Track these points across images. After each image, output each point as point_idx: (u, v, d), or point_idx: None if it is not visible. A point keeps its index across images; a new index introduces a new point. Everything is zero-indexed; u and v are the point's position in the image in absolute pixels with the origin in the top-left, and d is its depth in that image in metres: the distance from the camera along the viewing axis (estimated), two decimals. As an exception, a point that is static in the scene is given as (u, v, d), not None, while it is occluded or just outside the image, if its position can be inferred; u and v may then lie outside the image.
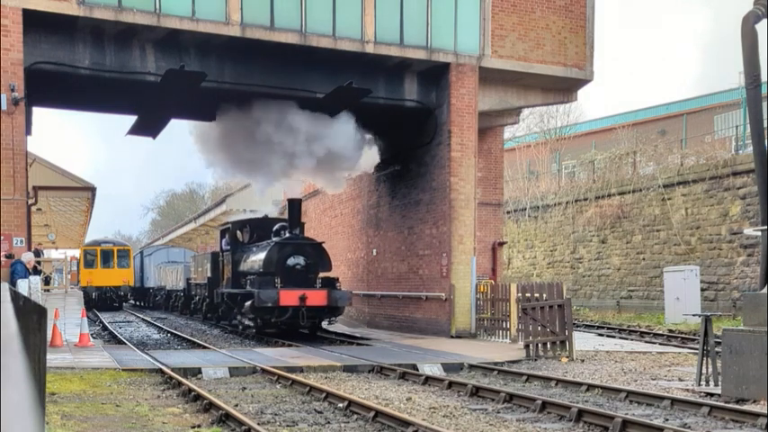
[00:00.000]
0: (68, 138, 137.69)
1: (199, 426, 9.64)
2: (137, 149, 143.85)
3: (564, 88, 24.17)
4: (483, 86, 22.55)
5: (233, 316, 25.30)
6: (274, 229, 24.23)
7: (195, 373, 14.48)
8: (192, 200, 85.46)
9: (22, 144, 18.32)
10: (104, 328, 28.11)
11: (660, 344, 21.43)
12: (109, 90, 20.82)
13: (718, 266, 29.70)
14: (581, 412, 10.14)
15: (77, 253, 46.94)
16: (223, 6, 19.44)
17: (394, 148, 24.68)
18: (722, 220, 29.79)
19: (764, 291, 12.00)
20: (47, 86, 20.23)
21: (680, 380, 13.97)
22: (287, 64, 20.80)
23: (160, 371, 14.36)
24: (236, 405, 10.90)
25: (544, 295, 17.75)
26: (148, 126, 24.57)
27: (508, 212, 40.06)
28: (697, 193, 30.97)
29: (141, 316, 37.31)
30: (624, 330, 25.42)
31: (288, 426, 9.64)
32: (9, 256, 18.04)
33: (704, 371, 12.81)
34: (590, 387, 12.70)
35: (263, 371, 14.60)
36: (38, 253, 30.24)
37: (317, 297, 21.56)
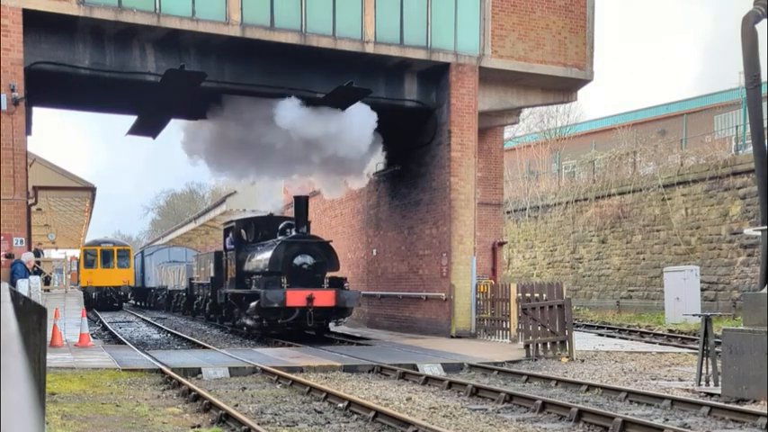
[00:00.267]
0: (68, 138, 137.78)
1: (199, 426, 9.64)
2: (137, 149, 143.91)
3: (564, 88, 24.17)
4: (483, 86, 22.55)
5: (237, 317, 24.75)
6: (280, 227, 23.71)
7: (195, 373, 14.48)
8: (191, 200, 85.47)
9: (22, 144, 18.32)
10: (104, 328, 28.12)
11: (660, 344, 21.43)
12: (109, 90, 20.82)
13: (718, 266, 29.70)
14: (581, 412, 10.14)
15: (77, 253, 46.95)
16: (223, 6, 19.44)
17: (394, 148, 24.67)
18: (722, 220, 29.79)
19: (764, 291, 12.00)
20: (47, 86, 20.23)
21: (680, 380, 13.97)
22: (287, 64, 20.80)
23: (160, 371, 14.36)
24: (236, 405, 10.90)
25: (544, 295, 17.75)
26: (148, 126, 24.57)
27: (508, 212, 40.06)
28: (697, 193, 30.97)
29: (141, 316, 37.31)
30: (624, 330, 25.42)
31: (288, 426, 9.64)
32: (9, 256, 18.04)
33: (704, 371, 12.81)
34: (590, 387, 12.70)
35: (263, 371, 14.60)
36: (38, 253, 30.24)
37: (324, 297, 21.00)
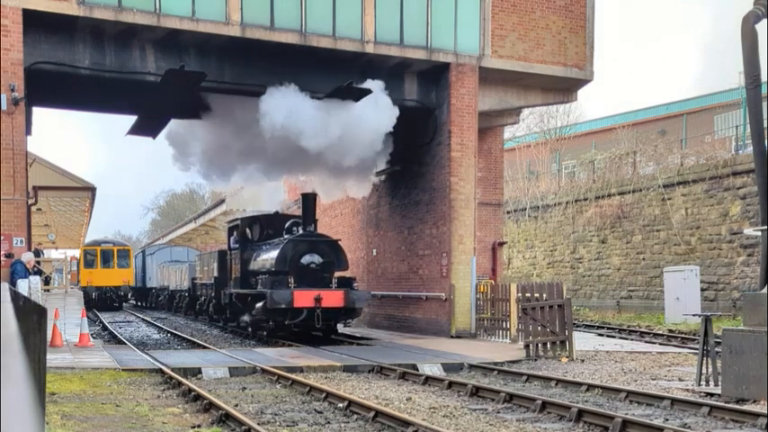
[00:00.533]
0: (68, 138, 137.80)
1: (199, 426, 9.65)
2: (137, 149, 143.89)
3: (564, 88, 24.17)
4: (483, 86, 22.55)
5: (242, 317, 24.12)
6: (286, 226, 23.13)
7: (195, 373, 14.48)
8: (191, 200, 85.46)
9: (22, 144, 18.32)
10: (104, 328, 28.12)
11: (660, 344, 21.43)
12: (109, 90, 20.81)
13: (718, 266, 29.71)
14: (581, 412, 10.14)
15: (77, 253, 46.95)
16: (223, 6, 19.44)
17: (394, 148, 24.65)
18: (722, 220, 29.79)
19: (764, 291, 12.00)
20: (47, 86, 20.23)
21: (680, 380, 13.97)
22: (287, 64, 20.79)
23: (160, 371, 14.36)
24: (236, 405, 10.90)
25: (544, 295, 17.75)
26: (148, 126, 24.54)
27: (508, 212, 40.07)
28: (697, 193, 30.97)
29: (141, 316, 37.31)
30: (624, 330, 25.42)
31: (288, 426, 9.64)
32: (9, 256, 18.04)
33: (704, 371, 12.81)
34: (590, 387, 12.70)
35: (263, 371, 14.60)
36: (38, 253, 30.24)
37: (333, 298, 20.44)
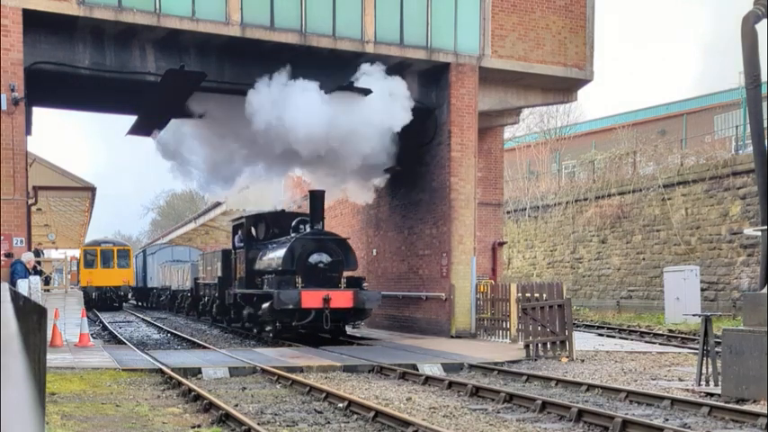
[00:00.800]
0: (68, 138, 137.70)
1: (199, 426, 9.65)
2: (137, 149, 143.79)
3: (564, 88, 24.18)
4: (483, 86, 22.55)
5: (246, 318, 23.61)
6: (293, 224, 22.57)
7: (195, 373, 14.48)
8: (191, 200, 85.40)
9: (22, 144, 18.32)
10: (104, 328, 28.13)
11: (660, 344, 21.42)
12: (109, 90, 20.81)
13: (718, 266, 29.71)
14: (581, 412, 10.14)
15: (77, 253, 46.96)
16: (223, 6, 19.44)
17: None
18: (722, 220, 29.79)
19: (764, 291, 12.00)
20: (47, 86, 20.23)
21: (680, 380, 13.97)
22: (287, 64, 20.77)
23: (160, 371, 14.36)
24: (236, 405, 10.90)
25: (544, 295, 17.75)
26: (148, 126, 24.54)
27: (508, 212, 40.07)
28: (697, 193, 30.97)
29: (141, 316, 37.30)
30: (624, 330, 25.41)
31: (288, 426, 9.64)
32: (8, 255, 18.04)
33: (704, 371, 12.80)
34: (590, 387, 12.70)
35: (263, 371, 14.60)
36: (38, 253, 30.24)
37: (342, 298, 19.90)
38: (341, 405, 10.97)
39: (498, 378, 14.39)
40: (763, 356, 11.11)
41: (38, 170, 27.45)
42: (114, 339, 22.95)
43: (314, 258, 20.63)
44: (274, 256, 21.76)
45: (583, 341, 20.41)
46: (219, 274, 27.31)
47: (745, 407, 10.74)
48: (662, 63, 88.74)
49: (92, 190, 31.67)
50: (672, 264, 30.81)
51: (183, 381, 12.79)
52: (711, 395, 11.88)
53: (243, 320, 24.25)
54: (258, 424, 9.35)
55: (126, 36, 19.33)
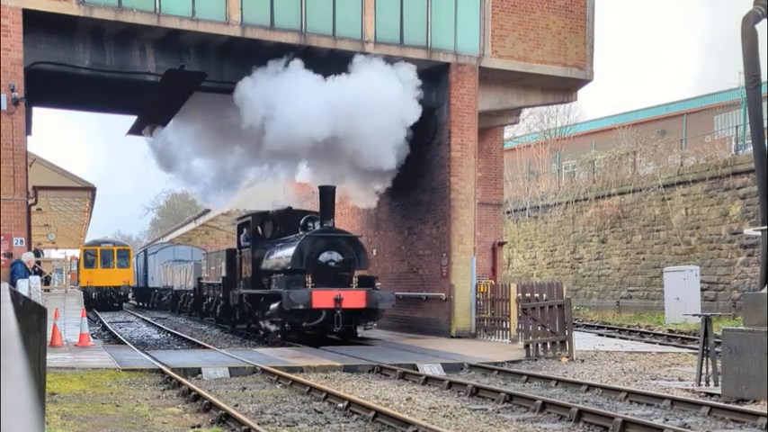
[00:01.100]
0: (68, 138, 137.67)
1: (199, 426, 9.65)
2: (137, 149, 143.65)
3: (564, 88, 24.18)
4: (483, 86, 22.56)
5: (252, 320, 23.00)
6: (301, 222, 21.88)
7: (195, 373, 14.48)
8: (191, 200, 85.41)
9: (22, 144, 18.33)
10: (104, 328, 28.13)
11: (660, 344, 21.42)
12: (109, 90, 20.81)
13: (718, 266, 29.71)
14: (581, 412, 10.13)
15: (77, 253, 46.95)
16: (223, 6, 19.44)
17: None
18: (722, 220, 29.79)
19: (764, 291, 12.00)
20: (47, 86, 20.24)
21: (680, 380, 13.97)
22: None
23: (160, 371, 14.36)
24: (236, 405, 10.90)
25: (544, 295, 17.75)
26: (148, 126, 24.54)
27: (508, 212, 40.06)
28: (697, 193, 30.97)
29: (141, 316, 37.28)
30: (624, 330, 25.41)
31: (288, 426, 9.64)
32: (8, 255, 18.04)
33: (704, 371, 12.80)
34: (590, 387, 12.70)
35: (263, 371, 14.60)
36: (38, 253, 30.24)
37: (354, 298, 19.26)
38: (341, 405, 10.97)
39: (498, 378, 14.39)
40: (763, 356, 11.11)
41: (38, 170, 27.45)
42: (114, 339, 22.95)
43: (324, 257, 20.00)
44: (282, 254, 21.21)
45: (583, 341, 20.41)
46: (224, 273, 26.73)
47: (745, 407, 10.74)
48: (662, 63, 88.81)
49: (92, 190, 31.67)
50: (672, 264, 30.81)
51: (183, 381, 12.79)
52: (711, 395, 11.88)
53: (249, 322, 23.71)
54: (258, 424, 9.35)
55: (126, 36, 19.33)
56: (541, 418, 10.40)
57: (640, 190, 33.75)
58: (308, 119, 19.26)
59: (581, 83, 23.92)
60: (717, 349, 12.93)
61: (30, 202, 22.48)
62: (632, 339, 22.86)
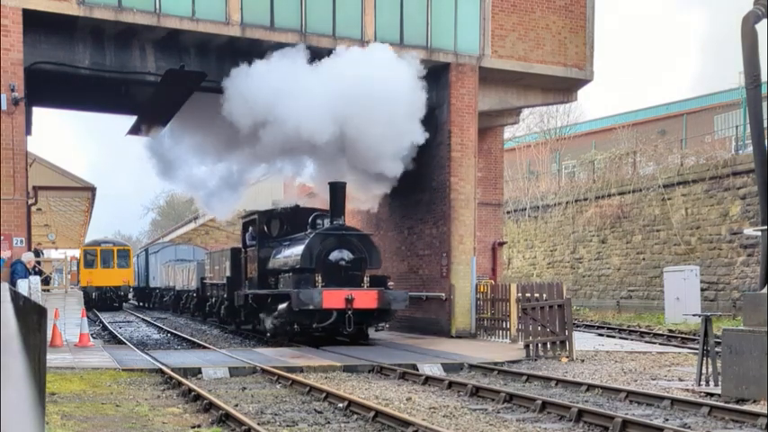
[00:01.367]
0: (68, 138, 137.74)
1: (199, 426, 9.64)
2: (137, 149, 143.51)
3: (564, 88, 24.18)
4: (483, 86, 22.56)
5: (259, 320, 22.35)
6: (310, 219, 21.18)
7: (195, 373, 14.48)
8: (192, 200, 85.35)
9: (22, 144, 18.33)
10: (104, 328, 28.12)
11: (660, 344, 21.42)
12: (109, 90, 20.83)
13: (718, 266, 29.71)
14: (581, 412, 10.13)
15: (77, 253, 46.94)
16: (223, 6, 19.45)
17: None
18: (722, 220, 29.79)
19: (764, 291, 12.00)
20: (47, 86, 20.24)
21: (680, 380, 13.97)
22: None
23: (160, 371, 14.36)
24: (236, 405, 10.90)
25: (544, 295, 17.75)
26: (148, 126, 24.54)
27: (508, 212, 40.06)
28: (697, 193, 30.97)
29: (141, 316, 37.27)
30: (624, 330, 25.41)
31: (288, 426, 9.64)
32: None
33: (704, 371, 12.80)
34: (590, 387, 12.70)
35: (263, 371, 14.60)
36: (38, 253, 30.24)
37: (366, 298, 18.71)
38: (341, 405, 10.97)
39: (498, 378, 14.39)
40: (763, 356, 11.11)
41: (38, 170, 27.46)
42: (114, 339, 22.95)
43: (335, 255, 19.35)
44: (291, 253, 20.61)
45: (583, 341, 20.41)
46: (228, 273, 26.07)
47: (745, 407, 10.74)
48: (662, 63, 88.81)
49: (92, 190, 31.68)
50: (672, 264, 30.81)
51: (183, 381, 12.79)
52: (711, 395, 11.88)
53: (255, 323, 23.21)
54: (258, 424, 9.35)
55: (126, 36, 19.33)
56: (541, 418, 10.40)
57: (640, 190, 33.75)
58: (310, 118, 19.09)
59: (581, 83, 23.93)
60: (717, 349, 12.93)
61: (30, 202, 22.48)
62: (632, 339, 22.86)
